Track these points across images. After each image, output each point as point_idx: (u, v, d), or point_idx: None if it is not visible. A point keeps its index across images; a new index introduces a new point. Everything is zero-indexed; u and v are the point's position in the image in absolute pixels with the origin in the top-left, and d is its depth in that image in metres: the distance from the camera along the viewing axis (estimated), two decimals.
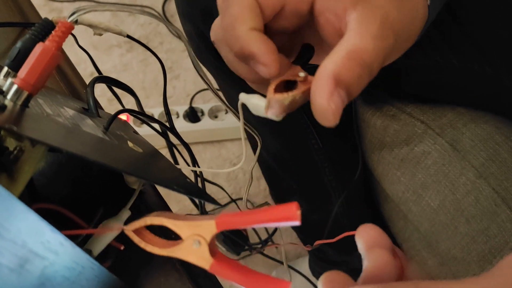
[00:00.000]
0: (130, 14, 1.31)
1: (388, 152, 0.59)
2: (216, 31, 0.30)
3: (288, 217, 0.19)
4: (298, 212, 0.19)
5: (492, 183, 0.51)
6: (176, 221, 0.22)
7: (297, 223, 0.19)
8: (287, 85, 0.28)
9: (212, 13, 0.51)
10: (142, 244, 0.24)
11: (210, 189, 0.89)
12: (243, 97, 0.27)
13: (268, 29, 0.28)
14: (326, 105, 0.24)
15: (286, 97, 0.26)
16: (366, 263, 0.22)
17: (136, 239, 0.23)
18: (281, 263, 0.90)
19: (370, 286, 0.19)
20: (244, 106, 0.28)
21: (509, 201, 0.50)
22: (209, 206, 0.98)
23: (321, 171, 0.59)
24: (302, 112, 0.57)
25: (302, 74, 0.27)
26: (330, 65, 0.25)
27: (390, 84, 0.56)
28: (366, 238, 0.23)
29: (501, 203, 0.50)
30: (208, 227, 0.21)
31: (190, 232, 0.22)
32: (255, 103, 0.26)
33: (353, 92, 0.26)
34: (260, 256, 0.93)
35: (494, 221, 0.50)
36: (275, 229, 0.96)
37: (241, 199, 0.99)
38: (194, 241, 0.22)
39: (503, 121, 0.53)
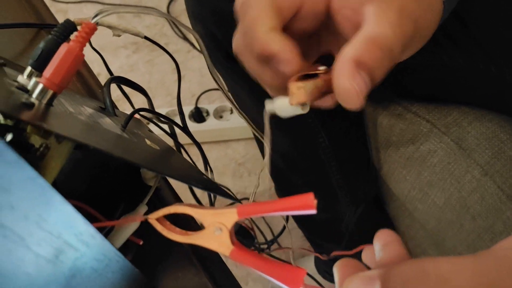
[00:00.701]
0: (136, 16, 1.32)
1: (394, 151, 0.59)
2: (236, 41, 0.31)
3: (305, 206, 0.20)
4: (315, 201, 0.20)
5: (497, 181, 0.52)
6: (199, 209, 0.23)
7: (313, 211, 0.20)
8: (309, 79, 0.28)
9: (222, 14, 0.51)
10: (165, 232, 0.24)
11: None
12: (268, 104, 0.27)
13: (287, 33, 0.29)
14: (349, 86, 0.24)
15: (308, 83, 0.26)
16: (381, 255, 0.23)
17: (159, 227, 0.24)
18: (289, 263, 0.91)
19: (378, 270, 0.20)
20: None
21: None
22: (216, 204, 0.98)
23: (329, 170, 0.60)
24: (310, 111, 0.58)
25: (322, 67, 0.28)
26: (351, 50, 0.25)
27: (396, 83, 0.57)
28: (383, 239, 0.24)
29: (506, 200, 0.51)
30: (230, 215, 0.22)
31: (212, 220, 0.23)
32: (280, 102, 0.27)
33: (375, 76, 0.25)
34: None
35: (500, 218, 0.51)
36: (282, 230, 0.97)
37: (246, 199, 1.00)
38: (215, 228, 0.23)
39: (508, 119, 0.54)
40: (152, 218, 0.24)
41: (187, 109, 1.11)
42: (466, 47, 0.48)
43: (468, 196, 0.54)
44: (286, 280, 0.22)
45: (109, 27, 0.32)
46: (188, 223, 0.32)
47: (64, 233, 0.19)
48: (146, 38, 0.35)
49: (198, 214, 0.23)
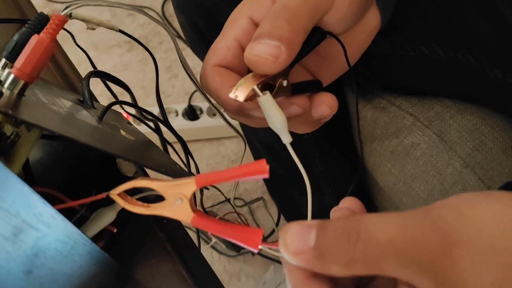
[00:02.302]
0: (130, 15, 1.33)
1: (379, 144, 0.60)
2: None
3: (258, 171, 0.21)
4: (267, 166, 0.21)
5: (478, 173, 0.52)
6: (158, 182, 0.24)
7: (266, 176, 0.21)
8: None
9: (205, 5, 0.52)
10: (127, 206, 0.25)
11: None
12: (283, 138, 0.28)
13: None
14: (249, 54, 0.28)
15: (239, 81, 0.28)
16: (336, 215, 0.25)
17: (121, 201, 0.25)
18: (279, 262, 0.92)
19: (318, 220, 0.21)
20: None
21: (495, 189, 0.51)
22: (207, 204, 0.99)
23: (312, 161, 0.60)
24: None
25: (285, 83, 0.29)
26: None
27: (380, 76, 0.58)
28: (346, 203, 0.26)
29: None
30: (189, 185, 0.23)
31: (173, 191, 0.23)
32: (267, 120, 0.28)
33: (282, 36, 0.27)
34: (257, 255, 0.94)
35: None
36: (273, 230, 0.98)
37: (236, 198, 1.00)
38: (176, 199, 0.24)
39: (489, 112, 0.55)
40: (114, 194, 0.25)
41: (181, 107, 1.12)
42: (443, 34, 0.48)
43: (450, 188, 0.54)
44: (246, 241, 0.22)
45: (83, 20, 0.32)
46: (151, 199, 0.33)
47: (22, 212, 0.20)
48: (120, 31, 0.36)
49: (158, 186, 0.24)
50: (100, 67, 0.48)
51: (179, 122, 1.09)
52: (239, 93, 0.27)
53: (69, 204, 0.26)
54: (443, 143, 0.55)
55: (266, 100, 0.27)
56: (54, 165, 0.38)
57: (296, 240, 0.21)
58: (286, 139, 0.27)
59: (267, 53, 0.27)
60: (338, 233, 0.20)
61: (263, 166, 0.21)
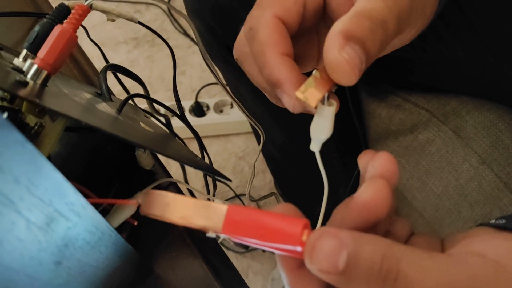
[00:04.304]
0: (137, 12, 1.32)
1: (393, 140, 0.60)
2: (238, 49, 0.31)
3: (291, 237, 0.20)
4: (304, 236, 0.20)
5: (494, 169, 0.52)
6: (189, 199, 0.22)
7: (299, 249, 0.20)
8: None
9: (221, 9, 0.52)
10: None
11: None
12: (313, 145, 0.27)
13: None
14: (340, 57, 0.23)
15: (307, 81, 0.25)
16: (365, 191, 0.21)
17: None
18: None
19: (344, 234, 0.19)
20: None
21: (511, 186, 0.51)
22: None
23: (329, 162, 0.60)
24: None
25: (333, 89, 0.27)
26: (339, 24, 0.24)
27: (395, 75, 0.57)
28: (379, 163, 0.22)
29: (504, 188, 0.51)
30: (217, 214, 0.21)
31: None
32: (312, 127, 0.26)
33: (368, 48, 0.24)
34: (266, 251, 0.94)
35: (497, 206, 0.51)
36: None
37: (243, 195, 1.00)
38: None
39: (506, 109, 0.54)
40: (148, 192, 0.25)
41: (188, 104, 1.12)
42: (466, 38, 0.48)
43: (465, 184, 0.54)
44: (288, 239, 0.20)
45: (103, 11, 0.32)
46: None
47: (55, 201, 0.19)
48: (139, 23, 0.35)
49: (187, 204, 0.22)
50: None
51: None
52: (309, 96, 0.25)
53: (98, 200, 0.26)
54: (459, 139, 0.54)
55: (329, 111, 0.26)
56: (72, 157, 0.37)
57: (324, 259, 0.19)
58: (317, 148, 0.27)
59: (355, 62, 0.24)
60: (373, 270, 0.19)
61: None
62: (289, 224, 0.20)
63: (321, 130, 0.26)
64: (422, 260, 0.19)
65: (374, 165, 0.22)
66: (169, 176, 0.38)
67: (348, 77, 0.24)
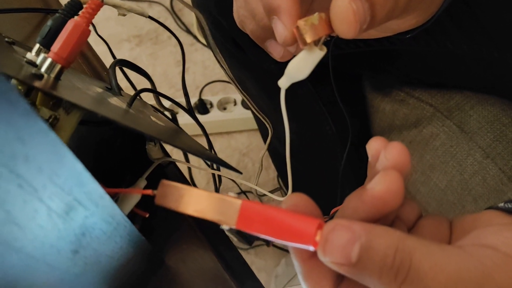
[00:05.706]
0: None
1: (397, 134, 0.60)
2: (238, 12, 0.31)
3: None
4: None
5: (498, 163, 0.52)
6: (204, 192, 0.22)
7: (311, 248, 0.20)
8: None
9: (227, 3, 0.52)
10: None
11: None
12: (282, 80, 0.26)
13: None
14: (347, 4, 0.23)
15: (310, 17, 0.24)
16: (379, 184, 0.21)
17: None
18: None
19: (356, 226, 0.19)
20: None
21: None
22: None
23: (334, 156, 0.60)
24: (317, 98, 0.58)
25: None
26: None
27: (401, 70, 0.58)
28: (392, 154, 0.22)
29: (508, 182, 0.51)
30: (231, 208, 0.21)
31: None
32: (294, 62, 0.25)
33: (377, 11, 0.24)
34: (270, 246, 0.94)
35: (501, 199, 0.51)
36: None
37: (248, 192, 1.00)
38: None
39: (509, 103, 0.55)
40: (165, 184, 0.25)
41: (191, 101, 1.12)
42: (470, 31, 0.49)
43: (469, 178, 0.54)
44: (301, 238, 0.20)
45: (114, 6, 0.32)
46: None
47: (74, 190, 0.20)
48: (150, 17, 0.36)
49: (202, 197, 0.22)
50: (110, 61, 0.48)
51: (189, 116, 1.09)
52: (309, 31, 0.24)
53: (116, 190, 0.26)
54: (463, 134, 0.55)
55: (318, 54, 0.25)
56: (83, 150, 0.38)
57: (337, 252, 0.19)
58: (285, 84, 0.26)
59: (360, 16, 0.23)
60: (386, 263, 0.19)
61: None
62: (303, 223, 0.20)
63: (299, 70, 0.25)
64: (434, 254, 0.19)
65: (387, 156, 0.22)
66: (177, 168, 0.39)
67: (348, 27, 0.24)
